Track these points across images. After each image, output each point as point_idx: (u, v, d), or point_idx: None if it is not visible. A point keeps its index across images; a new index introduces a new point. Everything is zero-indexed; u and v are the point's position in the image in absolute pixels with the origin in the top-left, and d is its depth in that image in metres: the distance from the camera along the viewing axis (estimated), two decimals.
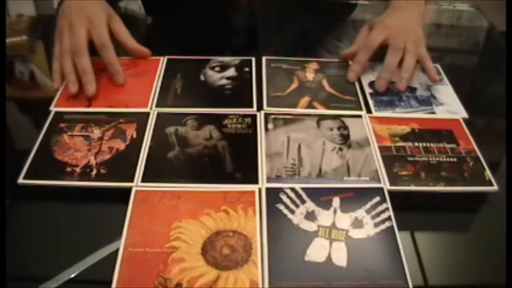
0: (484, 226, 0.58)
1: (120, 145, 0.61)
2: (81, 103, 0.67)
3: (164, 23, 0.91)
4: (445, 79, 0.76)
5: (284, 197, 0.55)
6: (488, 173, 0.60)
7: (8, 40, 0.80)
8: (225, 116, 0.66)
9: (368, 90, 0.72)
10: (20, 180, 0.56)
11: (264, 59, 0.77)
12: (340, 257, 0.49)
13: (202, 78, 0.73)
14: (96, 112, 0.65)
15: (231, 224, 0.52)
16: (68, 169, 0.57)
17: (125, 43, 0.73)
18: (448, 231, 0.56)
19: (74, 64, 0.67)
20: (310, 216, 0.53)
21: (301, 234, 0.51)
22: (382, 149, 0.62)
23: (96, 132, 0.62)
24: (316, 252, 0.50)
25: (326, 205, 0.54)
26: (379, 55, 0.77)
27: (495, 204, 0.58)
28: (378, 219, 0.53)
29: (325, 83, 0.73)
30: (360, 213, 0.54)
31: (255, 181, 0.57)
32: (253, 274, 0.47)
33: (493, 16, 1.03)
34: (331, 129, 0.65)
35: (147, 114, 0.65)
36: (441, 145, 0.63)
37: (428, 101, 0.71)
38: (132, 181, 0.56)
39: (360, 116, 0.67)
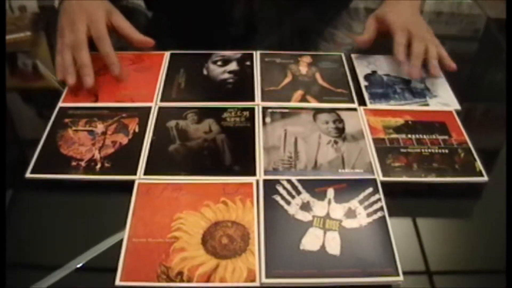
0: (476, 215, 0.60)
1: (123, 139, 0.63)
2: (88, 98, 0.69)
3: (165, 17, 0.93)
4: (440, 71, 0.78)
5: (280, 189, 0.57)
6: (478, 164, 0.61)
7: (12, 36, 0.82)
8: (224, 109, 0.68)
9: (363, 83, 0.74)
10: (28, 175, 0.58)
11: (258, 53, 0.78)
12: (334, 246, 0.52)
13: (205, 72, 0.75)
14: (99, 107, 0.68)
15: (230, 215, 0.54)
16: (74, 163, 0.60)
17: (128, 36, 0.75)
18: (438, 220, 0.58)
19: (74, 58, 0.70)
20: (305, 207, 0.55)
21: (296, 224, 0.54)
22: (376, 141, 0.64)
23: (99, 127, 0.64)
24: (311, 241, 0.52)
25: (321, 196, 0.56)
26: (376, 48, 0.79)
27: (485, 194, 0.60)
28: (370, 209, 0.55)
29: (318, 76, 0.75)
30: (353, 203, 0.56)
31: (253, 173, 0.59)
32: (250, 263, 0.50)
33: (491, 7, 1.03)
34: (327, 123, 0.66)
35: (149, 108, 0.67)
36: (434, 136, 0.65)
37: (422, 93, 0.73)
38: (135, 174, 0.58)
39: (355, 109, 0.69)
